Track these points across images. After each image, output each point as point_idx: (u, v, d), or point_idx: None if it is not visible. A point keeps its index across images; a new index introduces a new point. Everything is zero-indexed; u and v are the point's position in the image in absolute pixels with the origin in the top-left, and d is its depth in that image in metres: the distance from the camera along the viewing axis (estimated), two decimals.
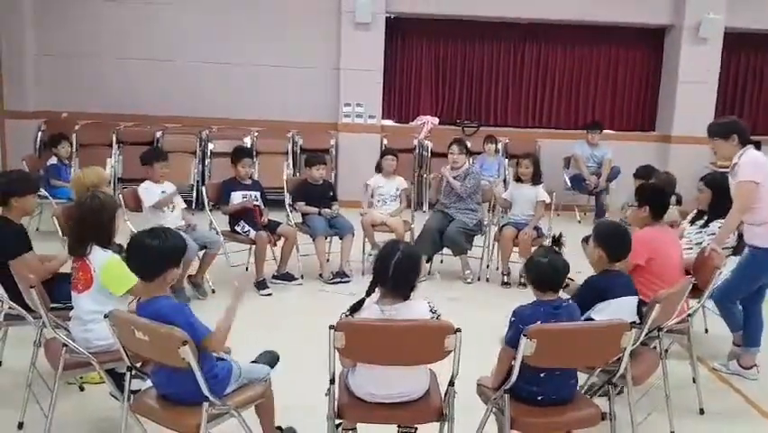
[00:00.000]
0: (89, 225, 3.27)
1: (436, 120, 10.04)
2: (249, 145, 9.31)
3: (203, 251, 5.56)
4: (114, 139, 9.26)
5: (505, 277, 6.29)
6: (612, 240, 3.50)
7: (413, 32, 10.09)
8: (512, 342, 2.82)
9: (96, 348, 3.18)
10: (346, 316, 2.80)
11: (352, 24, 9.36)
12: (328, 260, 6.35)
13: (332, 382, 2.81)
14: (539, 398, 2.88)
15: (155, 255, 2.74)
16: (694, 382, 4.11)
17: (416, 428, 3.31)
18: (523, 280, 6.15)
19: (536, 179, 6.37)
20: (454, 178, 6.34)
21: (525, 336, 2.64)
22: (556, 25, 9.97)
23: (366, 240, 6.46)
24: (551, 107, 10.44)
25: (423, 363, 2.81)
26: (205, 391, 2.59)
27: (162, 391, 2.80)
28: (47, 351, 3.32)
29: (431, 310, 2.83)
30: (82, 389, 3.84)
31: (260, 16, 9.54)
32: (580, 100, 10.42)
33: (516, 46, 10.25)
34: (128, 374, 2.83)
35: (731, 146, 4.21)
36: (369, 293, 2.90)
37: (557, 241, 3.21)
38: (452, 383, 2.83)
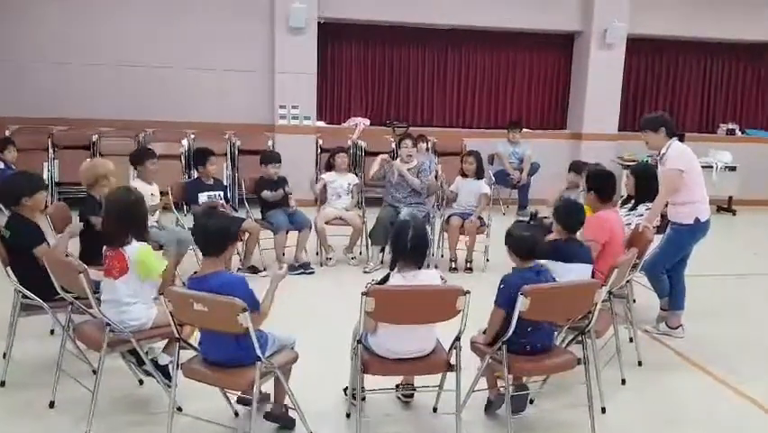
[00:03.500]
0: (128, 218, 3.55)
1: (367, 121, 10.58)
2: (186, 147, 9.57)
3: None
4: (50, 143, 9.25)
5: (453, 263, 6.85)
6: (566, 215, 4.13)
7: (343, 37, 10.59)
8: (502, 304, 3.38)
9: (130, 328, 3.49)
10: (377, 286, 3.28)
11: (286, 29, 9.72)
12: (284, 254, 6.69)
13: (359, 342, 3.28)
14: (527, 348, 3.45)
15: (219, 234, 3.15)
16: (631, 341, 4.83)
17: (415, 388, 3.84)
18: (469, 265, 6.77)
19: (479, 173, 7.00)
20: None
21: (521, 294, 3.19)
22: (477, 31, 10.72)
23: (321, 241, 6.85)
24: (473, 108, 11.21)
25: (439, 321, 3.31)
26: (258, 352, 3.00)
27: (211, 357, 3.18)
28: (79, 334, 3.60)
29: (440, 277, 3.35)
30: (95, 372, 4.09)
31: (195, 20, 9.75)
32: (499, 101, 11.25)
33: (440, 51, 10.94)
34: (177, 345, 3.20)
35: (660, 138, 4.95)
36: (392, 268, 3.42)
37: (534, 217, 3.79)
38: (458, 339, 3.34)
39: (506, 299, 3.36)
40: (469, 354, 3.58)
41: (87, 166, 4.93)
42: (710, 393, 4.35)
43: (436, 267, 6.83)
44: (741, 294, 6.60)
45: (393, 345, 3.32)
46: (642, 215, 5.23)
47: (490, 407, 3.79)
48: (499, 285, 3.46)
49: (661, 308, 5.37)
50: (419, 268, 3.35)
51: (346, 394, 3.80)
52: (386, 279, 3.38)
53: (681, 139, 5.09)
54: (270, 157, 6.89)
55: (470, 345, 3.64)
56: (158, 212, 5.82)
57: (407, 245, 3.32)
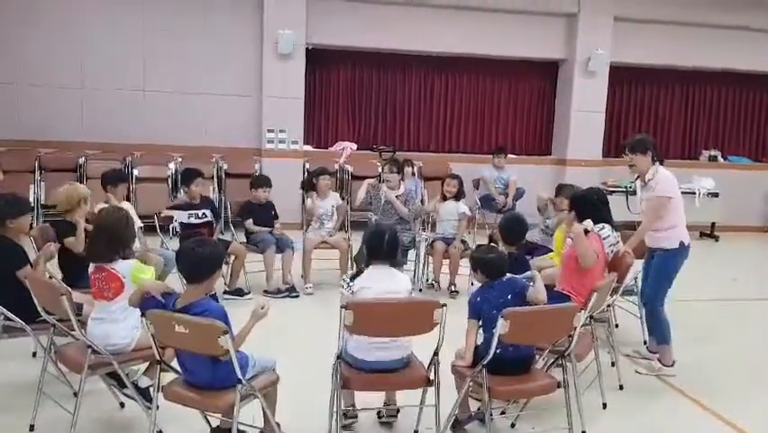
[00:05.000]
0: (116, 235, 3.63)
1: (354, 145, 10.66)
2: (174, 170, 9.59)
3: None
4: (37, 165, 9.27)
5: (436, 284, 6.91)
6: (507, 230, 4.53)
7: (330, 63, 10.71)
8: (472, 315, 3.60)
9: (118, 346, 3.52)
10: (350, 281, 3.46)
11: (274, 55, 9.83)
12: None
13: (339, 357, 3.33)
14: (505, 363, 3.46)
15: (205, 262, 3.17)
16: (613, 365, 4.86)
17: (398, 410, 3.85)
18: (454, 289, 6.80)
19: (459, 195, 7.07)
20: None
21: (501, 317, 3.22)
22: (463, 58, 10.87)
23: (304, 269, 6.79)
24: (459, 133, 11.36)
25: (416, 333, 3.40)
26: (239, 375, 3.01)
27: (192, 379, 3.18)
28: (61, 356, 3.60)
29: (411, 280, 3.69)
30: (76, 394, 4.07)
31: (184, 44, 9.83)
32: (485, 127, 11.40)
33: (427, 77, 11.10)
34: (158, 368, 3.21)
35: (648, 160, 4.94)
36: (367, 265, 3.57)
37: (492, 239, 3.91)
38: (436, 353, 3.39)
39: (472, 311, 3.60)
40: (447, 370, 3.62)
41: (68, 190, 4.89)
42: (691, 418, 4.38)
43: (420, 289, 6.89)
44: (724, 319, 6.66)
45: (368, 348, 3.40)
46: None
47: (458, 425, 3.82)
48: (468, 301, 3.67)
49: (648, 349, 5.23)
50: (392, 266, 3.56)
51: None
52: (360, 272, 3.53)
53: (661, 163, 5.10)
54: (262, 181, 6.94)
55: (451, 368, 3.66)
56: (139, 233, 5.83)
57: (383, 245, 3.51)
